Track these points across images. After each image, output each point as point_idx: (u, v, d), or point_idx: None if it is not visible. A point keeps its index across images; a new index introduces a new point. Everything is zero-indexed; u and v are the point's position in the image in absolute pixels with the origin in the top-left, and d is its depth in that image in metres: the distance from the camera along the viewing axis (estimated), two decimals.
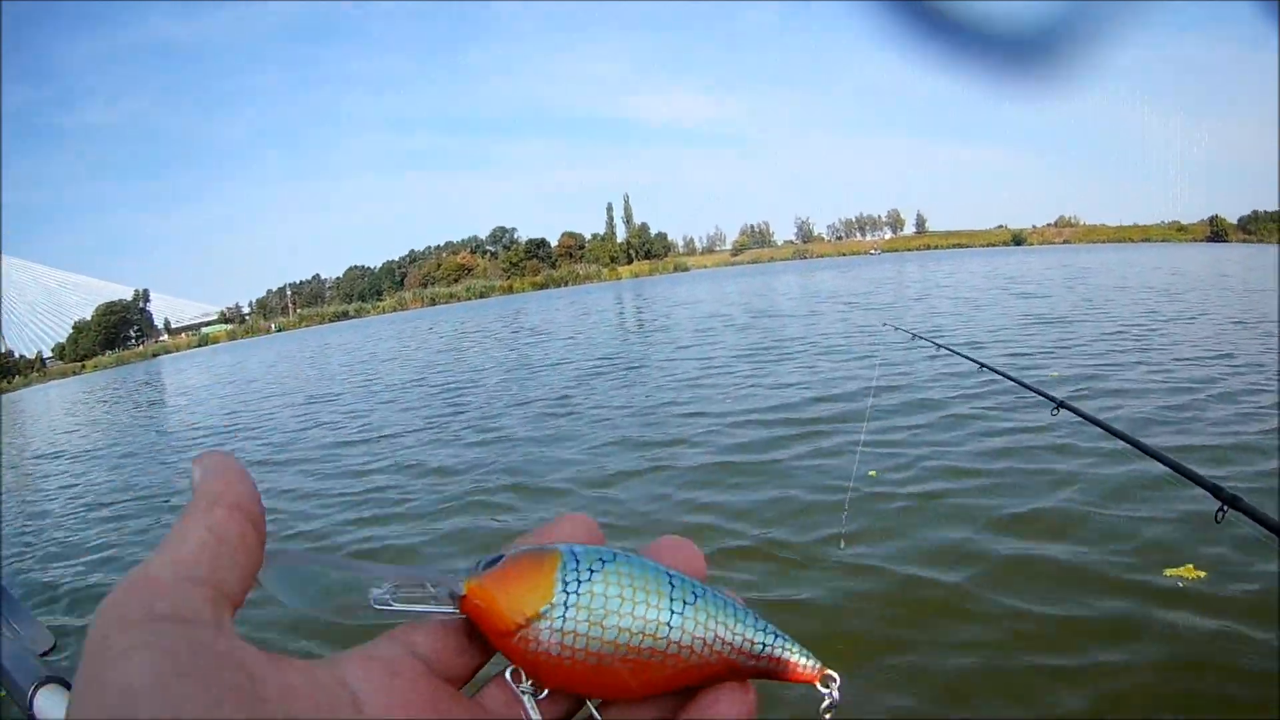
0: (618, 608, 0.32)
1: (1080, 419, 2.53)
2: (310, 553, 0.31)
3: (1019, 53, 0.51)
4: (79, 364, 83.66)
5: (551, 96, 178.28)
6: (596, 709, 0.33)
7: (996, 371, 3.26)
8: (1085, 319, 12.16)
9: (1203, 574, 3.17)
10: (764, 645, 0.34)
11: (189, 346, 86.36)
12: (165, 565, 0.27)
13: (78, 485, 8.71)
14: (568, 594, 0.32)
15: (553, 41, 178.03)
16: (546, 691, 0.33)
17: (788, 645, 0.34)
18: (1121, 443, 2.25)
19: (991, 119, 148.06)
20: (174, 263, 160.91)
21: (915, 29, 0.50)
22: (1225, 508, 1.67)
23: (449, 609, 0.33)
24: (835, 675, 0.35)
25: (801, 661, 0.34)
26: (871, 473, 4.87)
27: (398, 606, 0.32)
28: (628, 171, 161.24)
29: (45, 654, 0.80)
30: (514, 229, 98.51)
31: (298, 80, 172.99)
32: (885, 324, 6.93)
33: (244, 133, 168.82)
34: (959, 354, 3.92)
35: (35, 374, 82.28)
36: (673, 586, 0.33)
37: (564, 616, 0.32)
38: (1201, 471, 1.88)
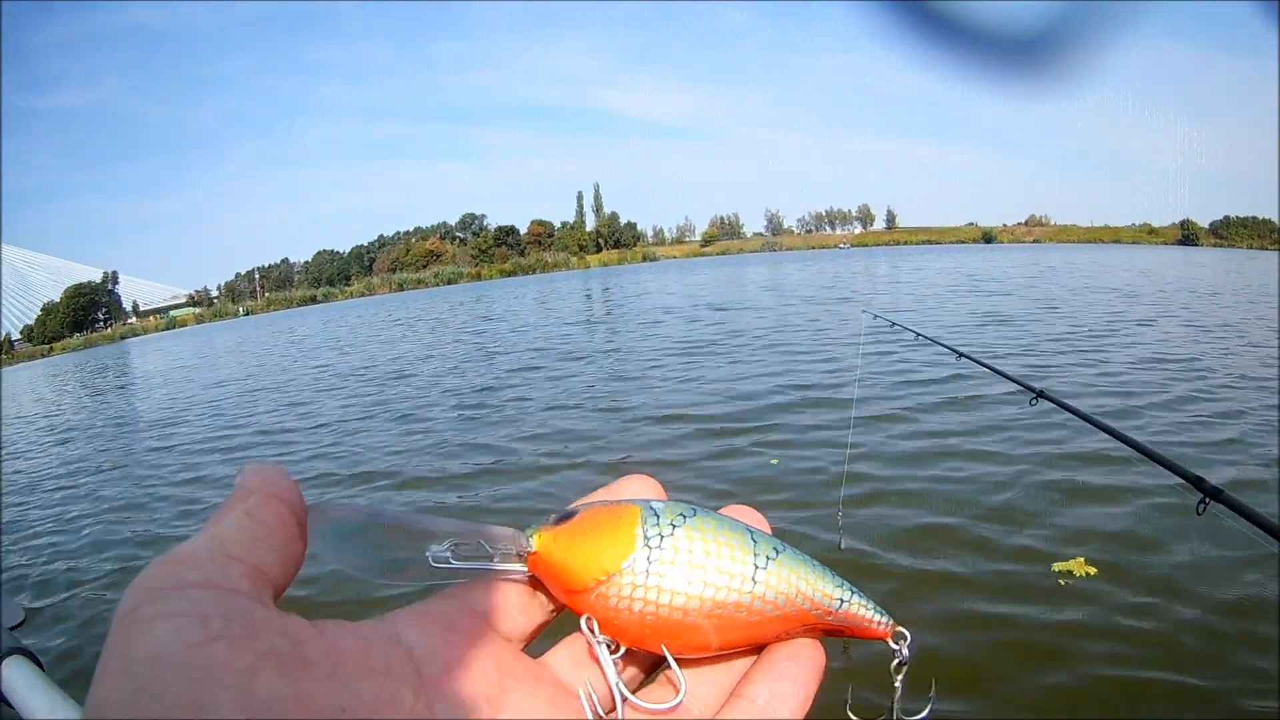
0: (702, 561, 0.31)
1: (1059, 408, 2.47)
2: (362, 505, 0.30)
3: (1017, 52, 0.50)
4: (47, 346, 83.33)
5: (524, 88, 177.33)
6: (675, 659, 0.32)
7: (976, 361, 3.20)
8: (1038, 318, 12.24)
9: (1092, 570, 3.21)
10: (841, 601, 0.33)
11: (157, 329, 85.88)
12: (200, 543, 0.25)
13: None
14: (650, 548, 0.31)
15: (525, 34, 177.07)
16: (624, 650, 0.32)
17: (864, 602, 0.34)
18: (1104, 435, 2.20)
19: (965, 119, 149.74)
20: (143, 246, 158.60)
21: (912, 28, 0.50)
22: (1207, 500, 1.64)
23: (516, 567, 0.32)
24: (906, 633, 0.35)
25: (876, 619, 0.34)
26: (774, 460, 5.04)
27: (457, 565, 0.31)
28: (599, 162, 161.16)
29: (15, 628, 0.79)
30: (483, 216, 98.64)
31: (270, 67, 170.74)
32: (864, 312, 6.72)
33: (216, 118, 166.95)
34: (940, 344, 3.81)
35: (4, 356, 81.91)
36: (755, 541, 0.33)
37: (647, 571, 0.31)
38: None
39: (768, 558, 0.32)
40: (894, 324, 4.74)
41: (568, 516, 0.33)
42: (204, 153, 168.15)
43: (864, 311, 6.72)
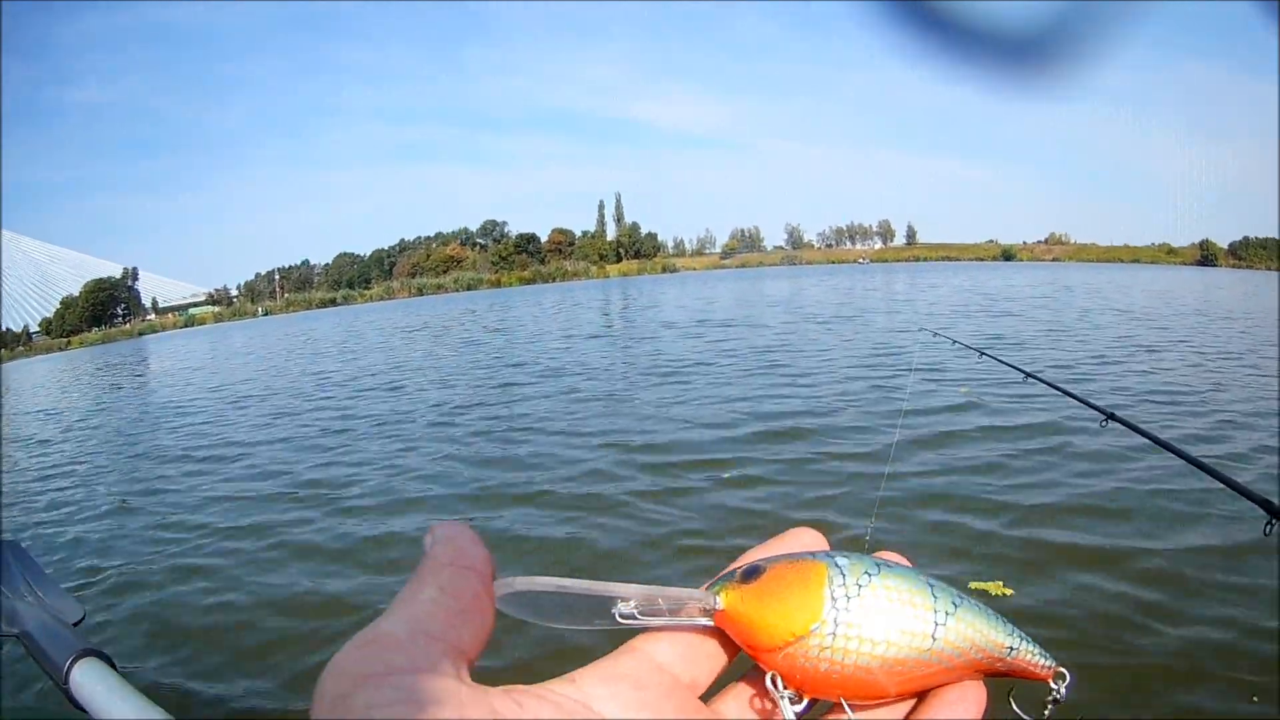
0: (887, 622, 0.32)
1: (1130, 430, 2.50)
2: (549, 580, 0.31)
3: (1019, 52, 0.50)
4: (65, 340, 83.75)
5: (549, 95, 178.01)
6: (850, 707, 0.34)
7: (1045, 382, 3.24)
8: (1045, 340, 12.09)
9: (1009, 592, 3.31)
10: (1011, 649, 0.34)
11: (175, 327, 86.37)
12: (399, 623, 0.26)
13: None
14: (837, 610, 0.32)
15: (553, 42, 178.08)
16: (806, 702, 0.33)
17: (1031, 649, 0.35)
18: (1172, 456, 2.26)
19: (986, 135, 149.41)
20: (164, 243, 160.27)
21: (917, 29, 0.50)
22: (1274, 521, 1.70)
23: (702, 622, 0.33)
24: (1066, 673, 0.36)
25: (1041, 662, 0.35)
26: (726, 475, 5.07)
27: (644, 621, 0.32)
28: (622, 172, 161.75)
29: (76, 624, 0.78)
30: (505, 223, 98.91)
31: (296, 68, 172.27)
32: (921, 330, 6.57)
33: (239, 118, 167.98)
34: (1005, 363, 3.82)
35: (21, 348, 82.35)
36: (935, 598, 0.34)
37: (833, 635, 0.32)
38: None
39: (947, 613, 0.33)
40: (955, 342, 4.80)
41: (755, 573, 0.33)
42: (227, 152, 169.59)
43: (920, 330, 6.82)
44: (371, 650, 0.24)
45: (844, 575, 0.32)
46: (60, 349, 75.92)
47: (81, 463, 8.46)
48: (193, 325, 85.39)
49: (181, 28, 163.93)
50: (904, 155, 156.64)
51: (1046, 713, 0.36)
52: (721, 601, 0.33)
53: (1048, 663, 0.35)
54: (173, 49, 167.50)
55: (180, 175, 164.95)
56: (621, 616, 0.31)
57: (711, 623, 0.33)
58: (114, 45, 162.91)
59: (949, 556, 3.69)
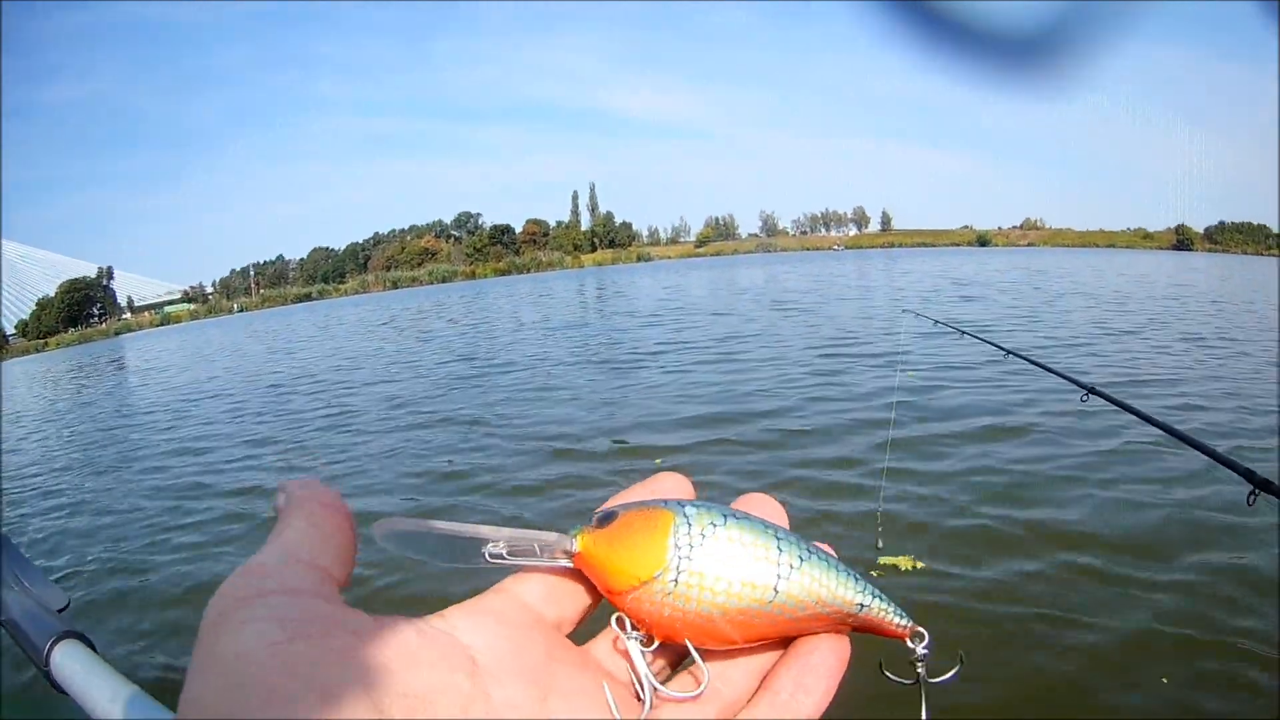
0: (729, 574, 0.33)
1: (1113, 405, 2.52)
2: (423, 518, 0.33)
3: (1019, 52, 0.50)
4: (42, 341, 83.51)
5: (523, 86, 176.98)
6: (699, 652, 0.35)
7: (1025, 359, 3.26)
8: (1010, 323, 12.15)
9: (919, 564, 3.38)
10: (861, 606, 0.35)
11: (151, 325, 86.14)
12: (271, 553, 0.29)
13: None
14: (679, 558, 0.33)
15: (526, 32, 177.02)
16: (657, 643, 0.35)
17: (884, 605, 0.36)
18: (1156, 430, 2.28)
19: (961, 122, 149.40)
20: (139, 241, 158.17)
21: (913, 28, 0.50)
22: (1256, 491, 1.72)
23: (563, 563, 0.35)
24: (925, 633, 0.37)
25: (896, 621, 0.36)
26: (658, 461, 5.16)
27: (511, 561, 0.34)
28: (596, 161, 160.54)
29: (61, 610, 0.78)
30: (479, 214, 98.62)
31: (267, 62, 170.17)
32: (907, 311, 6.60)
33: (213, 113, 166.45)
34: (988, 342, 3.80)
35: None
36: (780, 551, 0.34)
37: (675, 581, 0.33)
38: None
39: (791, 567, 0.34)
40: (936, 322, 4.94)
41: (609, 519, 0.35)
42: (200, 148, 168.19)
43: (904, 311, 6.96)
44: (247, 577, 0.27)
45: (689, 524, 0.34)
46: (36, 350, 75.77)
47: (52, 462, 8.60)
48: (168, 323, 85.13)
49: (154, 22, 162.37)
50: (878, 142, 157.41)
51: (919, 671, 0.37)
52: (578, 545, 0.34)
53: (903, 621, 0.36)
54: (145, 44, 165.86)
55: (154, 172, 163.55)
56: (491, 556, 0.34)
57: (571, 565, 0.35)
58: (86, 41, 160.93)
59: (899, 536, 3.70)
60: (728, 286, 29.19)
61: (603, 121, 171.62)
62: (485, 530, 0.34)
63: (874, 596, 0.36)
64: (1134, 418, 2.37)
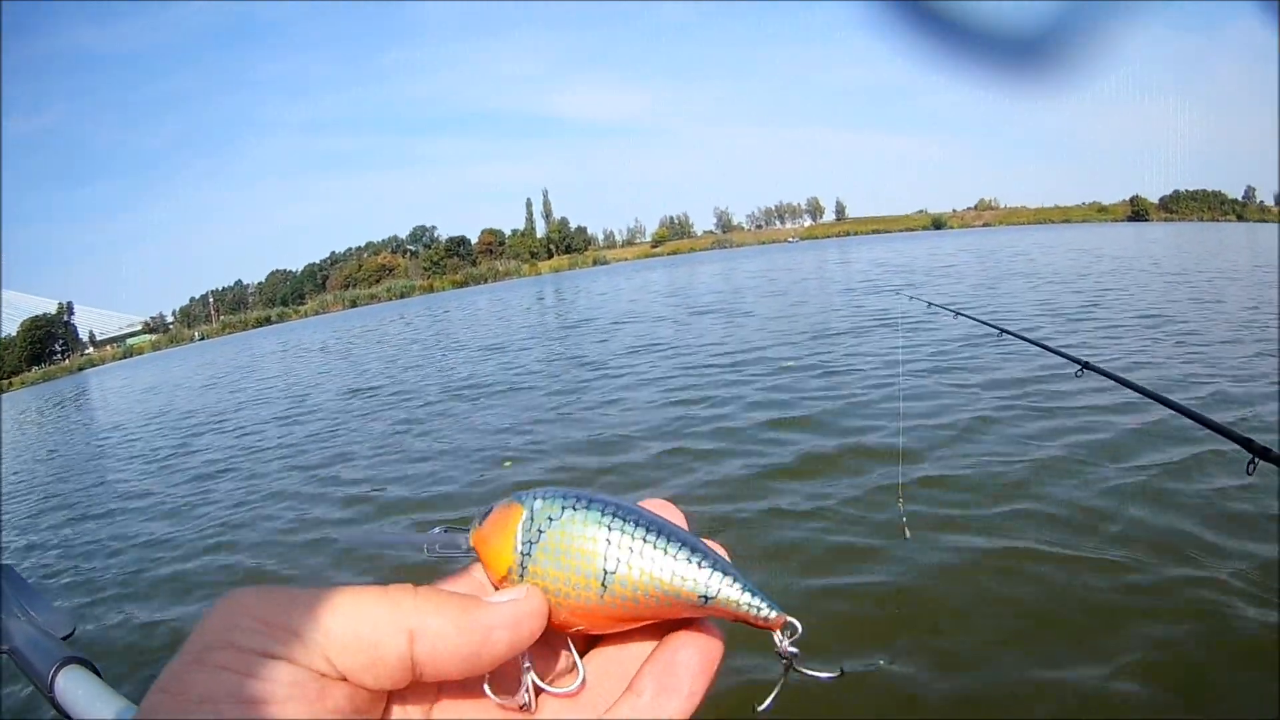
0: (556, 567, 0.34)
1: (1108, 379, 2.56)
2: (358, 533, 0.69)
3: (1019, 52, 0.50)
4: (7, 381, 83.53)
5: (471, 95, 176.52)
6: (576, 648, 0.36)
7: (1021, 337, 3.30)
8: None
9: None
10: (706, 598, 0.34)
11: (115, 358, 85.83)
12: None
13: None
14: (520, 554, 0.35)
15: (472, 40, 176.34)
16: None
17: (738, 597, 0.34)
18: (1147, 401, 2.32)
19: (911, 106, 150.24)
20: (98, 273, 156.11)
21: (914, 27, 0.50)
22: (1256, 460, 1.74)
23: (471, 556, 0.37)
24: (797, 625, 0.35)
25: (758, 614, 0.34)
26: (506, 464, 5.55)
27: (442, 554, 0.38)
28: (548, 167, 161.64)
29: (66, 637, 0.79)
30: (434, 227, 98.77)
31: (215, 85, 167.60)
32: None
33: (164, 140, 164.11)
34: (984, 322, 3.92)
35: None
36: (610, 544, 0.34)
37: (522, 576, 0.34)
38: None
39: (619, 560, 0.34)
40: (930, 304, 5.22)
41: (485, 515, 0.37)
42: (154, 176, 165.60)
43: (899, 293, 6.78)
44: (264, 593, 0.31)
45: (532, 519, 0.35)
46: (2, 391, 75.96)
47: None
48: (131, 355, 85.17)
49: (100, 53, 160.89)
50: (829, 130, 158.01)
51: (785, 664, 0.35)
52: (470, 541, 0.37)
53: (771, 613, 0.35)
54: (94, 75, 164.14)
55: (107, 203, 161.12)
56: (428, 553, 0.38)
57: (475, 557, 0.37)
58: (34, 75, 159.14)
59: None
60: (650, 290, 29.72)
61: (553, 126, 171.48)
62: (412, 536, 0.39)
63: (733, 585, 0.34)
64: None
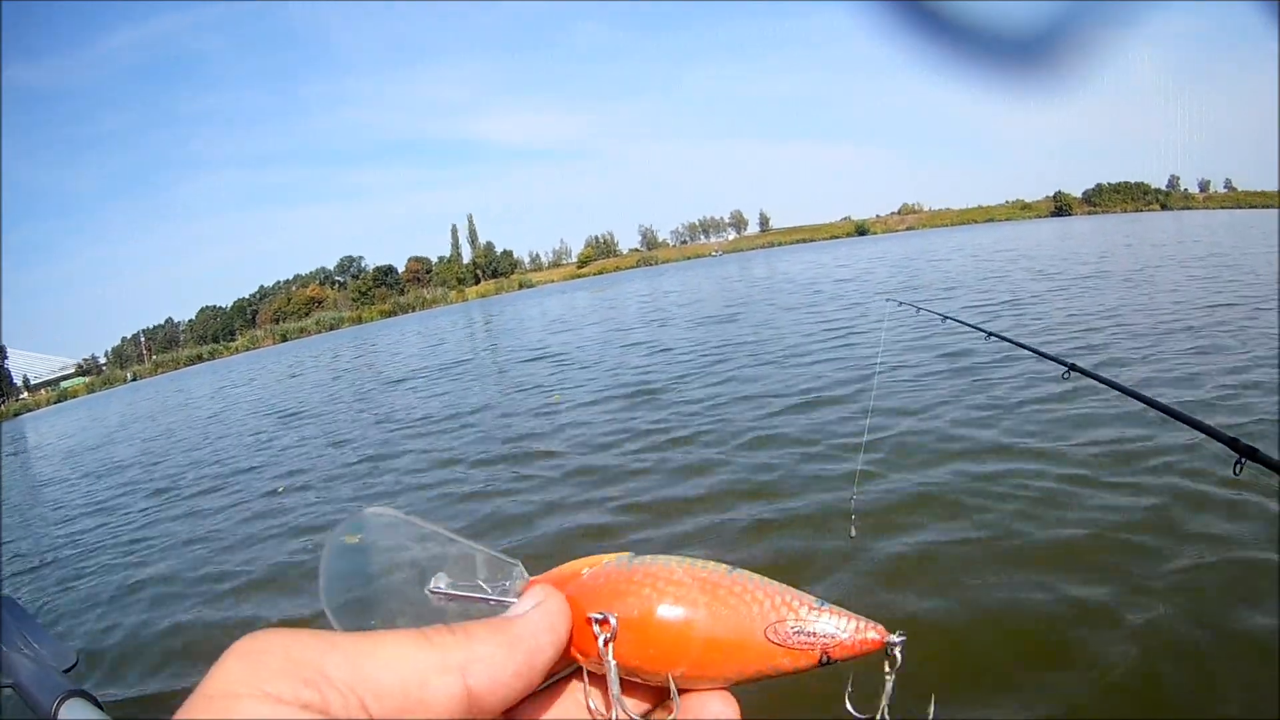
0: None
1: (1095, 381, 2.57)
2: (412, 515, 0.35)
3: (1020, 54, 0.50)
4: None
5: (396, 123, 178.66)
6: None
7: (1008, 340, 3.33)
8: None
9: None
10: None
11: (50, 403, 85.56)
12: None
13: None
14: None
15: (393, 70, 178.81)
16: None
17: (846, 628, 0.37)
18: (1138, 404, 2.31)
19: (832, 115, 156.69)
20: (28, 316, 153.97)
21: (914, 30, 0.50)
22: (1243, 460, 1.73)
23: (509, 599, 0.36)
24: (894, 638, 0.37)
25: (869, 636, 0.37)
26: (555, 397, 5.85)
27: (455, 594, 0.36)
28: (473, 192, 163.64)
29: (69, 670, 0.80)
30: (361, 258, 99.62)
31: (144, 121, 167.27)
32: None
33: (89, 179, 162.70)
34: (970, 325, 3.99)
35: None
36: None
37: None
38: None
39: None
40: (919, 309, 5.27)
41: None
42: (83, 215, 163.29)
43: (887, 300, 7.11)
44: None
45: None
46: None
47: None
48: (65, 399, 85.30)
49: (34, 90, 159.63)
50: (754, 143, 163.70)
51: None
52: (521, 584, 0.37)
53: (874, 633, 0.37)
54: (23, 113, 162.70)
55: (39, 243, 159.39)
56: (433, 593, 0.36)
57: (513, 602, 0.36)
58: None
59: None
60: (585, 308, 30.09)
61: (478, 151, 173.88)
62: (462, 541, 0.37)
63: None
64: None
